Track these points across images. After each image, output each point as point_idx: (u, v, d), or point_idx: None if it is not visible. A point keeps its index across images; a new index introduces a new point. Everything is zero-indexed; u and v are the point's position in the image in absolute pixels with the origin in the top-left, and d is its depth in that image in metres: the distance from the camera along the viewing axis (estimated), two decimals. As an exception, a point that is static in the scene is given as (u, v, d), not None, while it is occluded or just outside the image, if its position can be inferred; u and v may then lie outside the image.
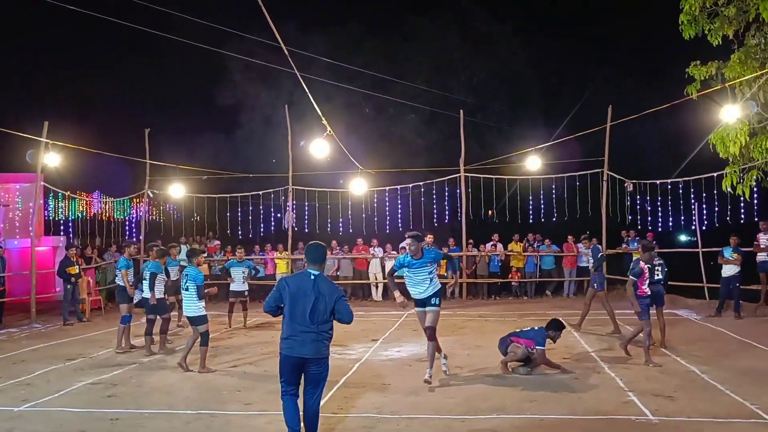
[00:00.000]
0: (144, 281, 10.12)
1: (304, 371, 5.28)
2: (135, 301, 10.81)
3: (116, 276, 10.90)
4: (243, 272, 12.81)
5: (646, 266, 8.87)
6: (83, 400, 7.38)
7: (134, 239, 19.27)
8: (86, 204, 20.85)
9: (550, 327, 8.23)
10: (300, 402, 5.36)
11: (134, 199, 20.29)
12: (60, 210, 19.97)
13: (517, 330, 8.63)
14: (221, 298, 15.13)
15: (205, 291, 9.09)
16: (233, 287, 12.78)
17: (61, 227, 19.35)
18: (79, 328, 13.33)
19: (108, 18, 11.55)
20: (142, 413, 6.77)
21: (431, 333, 7.87)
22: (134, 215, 21.47)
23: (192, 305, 8.76)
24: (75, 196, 19.81)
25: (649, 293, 8.82)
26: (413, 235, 7.90)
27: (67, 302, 14.17)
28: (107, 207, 21.34)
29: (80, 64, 26.68)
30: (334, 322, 5.39)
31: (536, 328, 8.35)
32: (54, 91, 24.75)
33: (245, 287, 12.91)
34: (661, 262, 9.43)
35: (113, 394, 7.60)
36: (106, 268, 17.33)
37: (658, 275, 9.16)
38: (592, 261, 12.48)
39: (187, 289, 8.82)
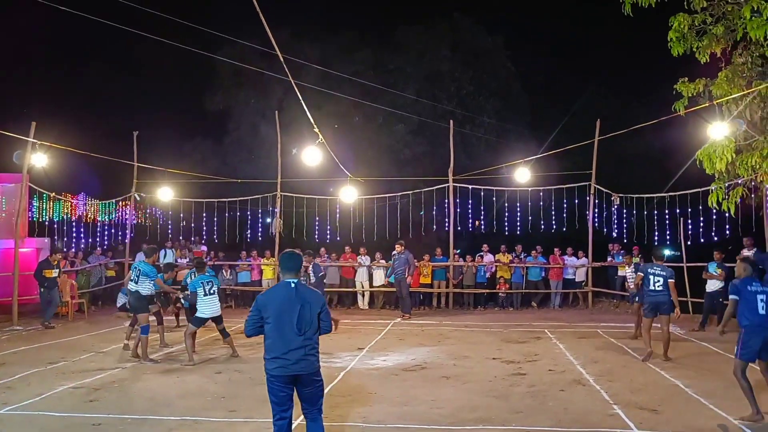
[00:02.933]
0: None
1: (298, 390, 5.00)
2: (119, 306, 10.78)
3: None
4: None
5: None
6: (65, 404, 7.29)
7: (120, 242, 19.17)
8: (72, 206, 20.67)
9: None
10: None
11: (120, 202, 20.15)
12: (45, 211, 19.77)
13: None
14: None
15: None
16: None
17: (46, 229, 19.13)
18: (61, 331, 13.17)
19: (98, 19, 11.48)
20: (125, 418, 6.70)
21: None
22: (120, 218, 21.29)
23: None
24: (60, 197, 19.63)
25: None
26: None
27: (45, 305, 13.95)
28: (93, 209, 21.17)
29: (69, 65, 26.57)
30: None
31: None
32: (42, 91, 24.54)
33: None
34: (656, 272, 9.80)
35: (96, 399, 7.51)
36: (90, 271, 17.18)
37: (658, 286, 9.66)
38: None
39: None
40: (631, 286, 12.01)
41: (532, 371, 8.99)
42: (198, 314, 9.76)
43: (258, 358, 5.36)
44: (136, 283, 9.97)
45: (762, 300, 6.64)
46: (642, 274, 10.17)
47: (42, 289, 13.92)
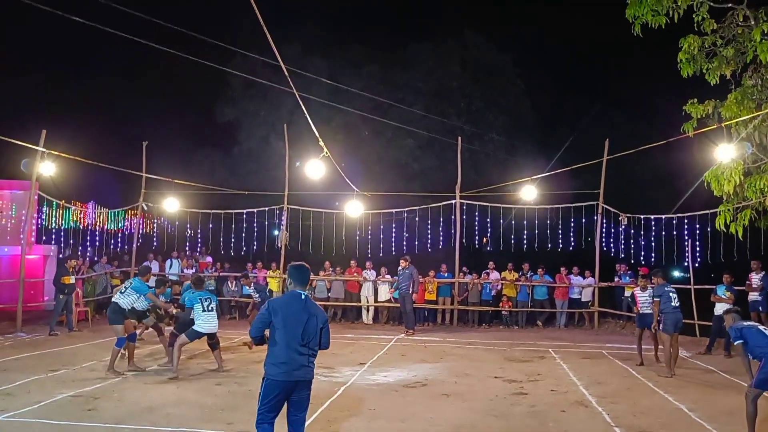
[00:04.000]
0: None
1: (291, 396, 5.18)
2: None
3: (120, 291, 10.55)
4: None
5: (637, 293, 11.36)
6: (63, 412, 7.27)
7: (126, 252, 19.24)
8: (80, 214, 20.77)
9: None
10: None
11: (129, 211, 20.23)
12: (53, 219, 19.87)
13: None
14: None
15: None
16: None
17: (53, 236, 19.22)
18: (64, 338, 13.20)
19: (110, 30, 11.58)
20: (122, 428, 6.67)
21: None
22: (128, 227, 21.37)
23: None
24: (69, 205, 19.73)
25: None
26: None
27: (57, 312, 14.10)
28: (101, 218, 21.26)
29: (79, 75, 26.78)
30: None
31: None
32: (52, 100, 24.76)
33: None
34: (672, 290, 10.48)
35: (94, 408, 7.49)
36: (96, 279, 17.23)
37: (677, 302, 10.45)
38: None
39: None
40: (643, 309, 11.58)
41: (534, 391, 8.89)
42: (195, 328, 9.65)
43: (256, 371, 5.32)
44: (122, 293, 9.95)
45: (765, 330, 6.67)
46: (658, 298, 10.43)
47: (61, 296, 14.03)
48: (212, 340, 10.08)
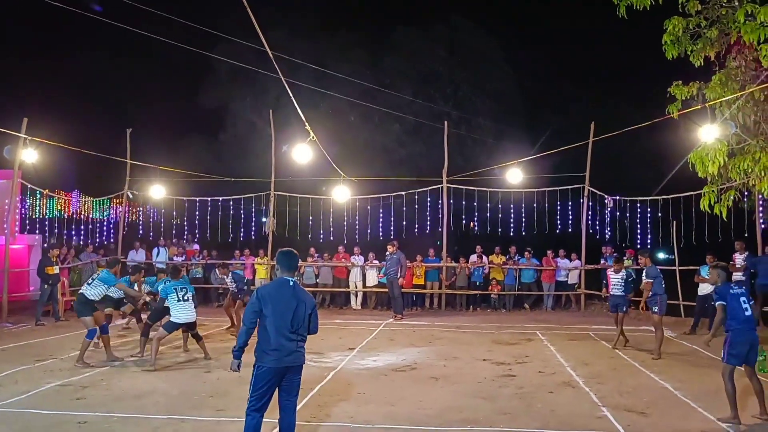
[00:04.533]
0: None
1: (282, 382, 5.20)
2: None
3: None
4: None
5: (610, 274, 11.26)
6: (51, 402, 7.24)
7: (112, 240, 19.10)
8: (65, 203, 20.58)
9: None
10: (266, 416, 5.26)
11: (114, 200, 20.07)
12: (37, 208, 19.68)
13: None
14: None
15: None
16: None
17: (37, 225, 19.04)
18: (51, 328, 13.12)
19: (93, 16, 11.44)
20: (111, 416, 6.66)
21: None
22: (113, 216, 21.22)
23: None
24: (53, 194, 19.54)
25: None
26: None
27: (42, 302, 14.00)
28: (86, 207, 21.08)
29: (62, 61, 26.37)
30: None
31: None
32: (34, 87, 24.43)
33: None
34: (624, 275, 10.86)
35: (82, 397, 7.46)
36: (81, 268, 17.11)
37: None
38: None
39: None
40: (614, 291, 11.19)
41: (522, 373, 8.97)
42: (172, 319, 9.52)
43: (245, 359, 5.32)
44: (89, 285, 9.70)
45: (744, 302, 6.70)
46: (652, 280, 10.34)
47: (45, 286, 13.92)
48: (192, 330, 9.92)
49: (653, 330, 10.70)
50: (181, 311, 9.53)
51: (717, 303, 6.93)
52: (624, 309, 11.19)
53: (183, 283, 9.97)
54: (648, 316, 11.39)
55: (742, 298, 6.71)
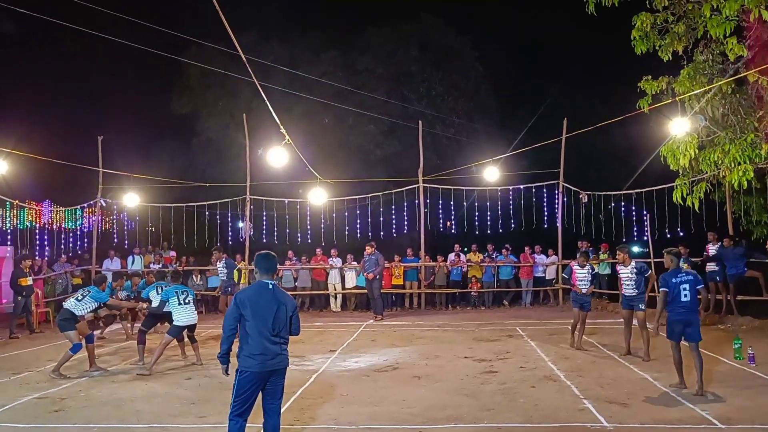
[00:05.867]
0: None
1: (266, 385, 5.17)
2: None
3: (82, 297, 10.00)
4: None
5: (576, 269, 10.57)
6: (29, 415, 7.10)
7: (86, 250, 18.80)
8: (36, 213, 20.19)
9: None
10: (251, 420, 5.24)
11: (86, 209, 19.74)
12: (8, 219, 19.27)
13: None
14: None
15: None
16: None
17: (9, 237, 18.66)
18: (25, 341, 12.89)
19: (60, 22, 11.24)
20: (91, 428, 6.56)
21: None
22: (87, 225, 20.86)
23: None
24: (24, 204, 19.16)
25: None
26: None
27: (16, 315, 13.74)
28: (58, 216, 20.70)
29: (29, 68, 25.89)
30: None
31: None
32: (0, 95, 23.94)
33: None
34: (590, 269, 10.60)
35: (61, 409, 7.33)
36: (55, 279, 16.82)
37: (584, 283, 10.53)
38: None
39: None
40: (581, 286, 10.52)
41: (503, 369, 9.03)
42: (175, 323, 9.59)
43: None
44: (78, 300, 9.45)
45: (685, 288, 7.46)
46: (647, 275, 10.03)
47: (19, 298, 13.66)
48: (191, 332, 10.00)
49: (621, 327, 10.19)
50: (183, 314, 9.59)
51: (660, 290, 7.61)
52: (589, 308, 10.69)
53: (183, 286, 10.07)
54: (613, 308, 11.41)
55: (684, 285, 7.46)
